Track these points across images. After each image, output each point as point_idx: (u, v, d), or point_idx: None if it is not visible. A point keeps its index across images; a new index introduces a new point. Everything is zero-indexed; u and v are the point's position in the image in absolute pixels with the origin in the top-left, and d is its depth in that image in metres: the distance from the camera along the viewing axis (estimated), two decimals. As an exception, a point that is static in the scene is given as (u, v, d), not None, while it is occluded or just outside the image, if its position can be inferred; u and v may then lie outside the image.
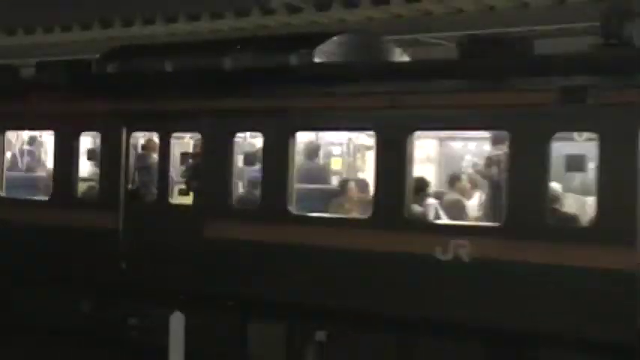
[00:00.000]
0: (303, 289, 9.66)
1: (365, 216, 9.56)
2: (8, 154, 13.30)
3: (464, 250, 8.49)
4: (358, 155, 11.53)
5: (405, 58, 11.03)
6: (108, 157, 11.45)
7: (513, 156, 8.31)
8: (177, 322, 9.96)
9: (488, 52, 9.12)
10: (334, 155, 11.86)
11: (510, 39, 9.91)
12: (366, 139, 10.70)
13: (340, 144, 11.70)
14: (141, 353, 11.23)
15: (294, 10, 16.25)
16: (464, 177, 9.87)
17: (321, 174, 11.24)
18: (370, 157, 10.29)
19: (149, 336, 11.03)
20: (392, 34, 13.47)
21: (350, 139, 11.41)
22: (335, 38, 10.69)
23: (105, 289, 11.51)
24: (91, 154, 11.93)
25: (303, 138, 10.36)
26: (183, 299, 10.53)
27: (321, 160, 11.43)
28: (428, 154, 10.82)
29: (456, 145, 10.98)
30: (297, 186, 10.00)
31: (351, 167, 11.69)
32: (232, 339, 10.32)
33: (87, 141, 12.20)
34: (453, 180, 9.97)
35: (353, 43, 10.82)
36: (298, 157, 10.22)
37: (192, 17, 18.16)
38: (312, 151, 11.08)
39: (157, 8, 18.50)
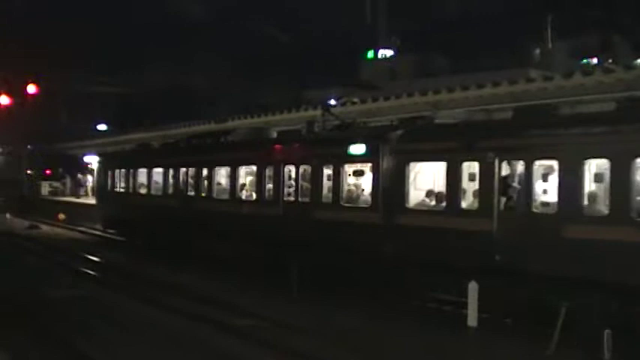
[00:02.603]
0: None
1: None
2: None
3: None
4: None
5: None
6: (485, 179, 14.99)
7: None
8: (473, 288, 13.88)
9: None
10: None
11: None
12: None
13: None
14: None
15: (548, 78, 21.14)
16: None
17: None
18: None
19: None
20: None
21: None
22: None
23: (483, 275, 14.38)
24: (472, 177, 15.93)
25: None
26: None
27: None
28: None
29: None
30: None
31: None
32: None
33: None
34: None
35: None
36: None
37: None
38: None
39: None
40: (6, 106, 46.58)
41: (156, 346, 13.59)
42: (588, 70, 20.37)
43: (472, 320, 14.13)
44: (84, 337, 13.93)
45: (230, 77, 76.23)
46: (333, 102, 34.95)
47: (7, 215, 49.11)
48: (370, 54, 76.26)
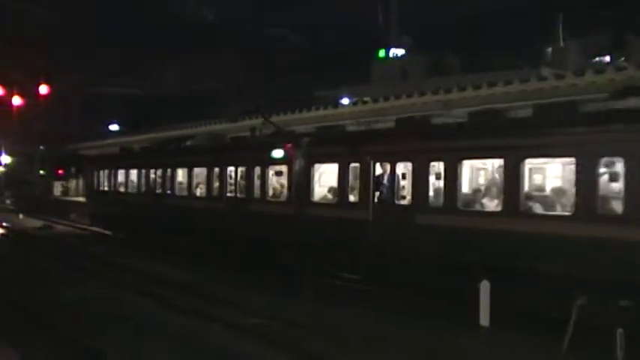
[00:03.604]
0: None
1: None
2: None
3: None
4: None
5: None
6: (364, 177, 18.51)
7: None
8: (485, 287, 13.94)
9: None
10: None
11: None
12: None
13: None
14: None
15: (560, 77, 21.16)
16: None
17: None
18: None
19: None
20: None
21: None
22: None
23: (357, 254, 18.54)
24: (356, 176, 19.13)
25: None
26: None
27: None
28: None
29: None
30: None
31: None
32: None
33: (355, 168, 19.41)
34: None
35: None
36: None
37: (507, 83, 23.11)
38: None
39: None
40: (18, 107, 46.81)
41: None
42: (600, 69, 20.14)
43: (484, 319, 14.12)
44: (94, 335, 13.87)
45: (243, 78, 76.30)
46: (346, 101, 35.11)
47: (20, 215, 49.36)
48: (382, 53, 76.18)
